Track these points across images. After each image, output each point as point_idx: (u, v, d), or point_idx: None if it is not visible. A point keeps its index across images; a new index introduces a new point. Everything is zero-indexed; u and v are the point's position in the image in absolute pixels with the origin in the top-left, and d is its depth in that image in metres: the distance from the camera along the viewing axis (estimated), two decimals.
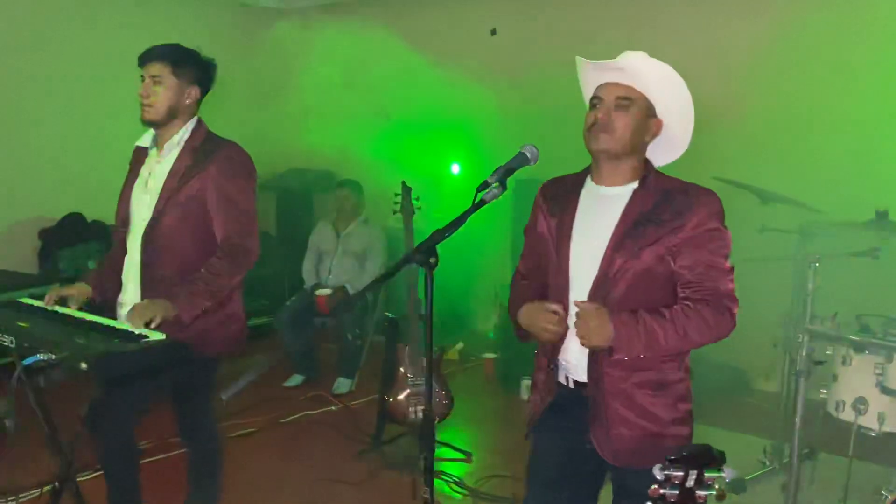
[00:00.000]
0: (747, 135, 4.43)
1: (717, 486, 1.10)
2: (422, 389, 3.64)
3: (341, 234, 4.98)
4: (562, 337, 1.92)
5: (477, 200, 1.79)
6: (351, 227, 4.96)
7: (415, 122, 5.51)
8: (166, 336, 2.24)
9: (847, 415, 2.99)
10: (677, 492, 1.11)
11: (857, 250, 2.82)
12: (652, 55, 1.91)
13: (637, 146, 1.91)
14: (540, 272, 2.05)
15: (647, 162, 1.97)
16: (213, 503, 2.77)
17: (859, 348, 2.92)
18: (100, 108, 5.06)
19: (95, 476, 2.91)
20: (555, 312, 1.88)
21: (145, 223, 2.46)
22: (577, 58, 1.96)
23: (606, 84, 1.90)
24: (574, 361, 1.95)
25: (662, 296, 1.88)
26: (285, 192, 6.41)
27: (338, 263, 4.91)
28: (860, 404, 2.94)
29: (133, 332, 2.24)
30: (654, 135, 1.93)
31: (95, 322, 2.37)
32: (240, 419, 4.14)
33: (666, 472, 1.10)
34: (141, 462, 2.65)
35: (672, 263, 1.86)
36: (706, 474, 1.09)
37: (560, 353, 1.97)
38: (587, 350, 1.88)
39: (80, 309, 2.51)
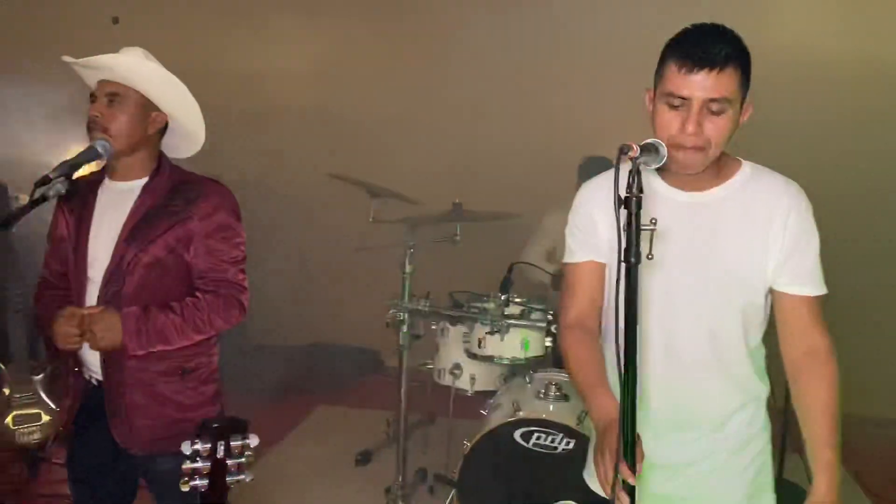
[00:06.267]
0: (357, 133, 4.80)
1: (245, 453, 1.19)
2: (30, 410, 3.28)
3: None
4: None
5: (36, 196, 1.68)
6: None
7: None
8: None
9: (447, 380, 3.42)
10: (209, 464, 1.18)
11: (440, 237, 3.24)
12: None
13: (140, 141, 1.93)
14: (65, 277, 1.99)
15: (161, 156, 2.00)
16: None
17: (453, 321, 3.36)
18: None
19: None
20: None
21: None
22: (64, 57, 1.91)
23: (101, 81, 1.90)
24: (92, 362, 1.94)
25: (177, 287, 1.93)
26: None
27: None
28: (456, 370, 3.38)
29: None
30: (160, 127, 1.96)
31: None
32: None
33: (194, 447, 1.16)
34: None
35: (185, 254, 1.92)
36: (233, 443, 1.18)
37: (80, 355, 1.95)
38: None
39: None
